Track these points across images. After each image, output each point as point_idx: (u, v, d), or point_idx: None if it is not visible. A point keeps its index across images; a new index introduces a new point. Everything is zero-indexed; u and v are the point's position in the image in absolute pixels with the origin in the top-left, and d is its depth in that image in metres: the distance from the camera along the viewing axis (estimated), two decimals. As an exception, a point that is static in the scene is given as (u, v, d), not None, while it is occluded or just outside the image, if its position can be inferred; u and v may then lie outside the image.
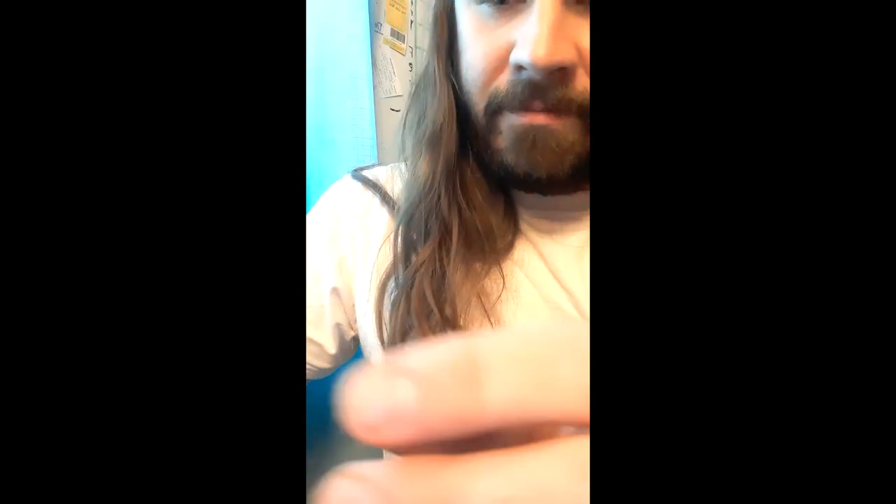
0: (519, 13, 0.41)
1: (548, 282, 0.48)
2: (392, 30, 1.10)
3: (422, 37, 1.16)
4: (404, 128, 0.52)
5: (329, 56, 0.92)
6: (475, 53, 0.43)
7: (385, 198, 0.53)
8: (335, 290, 0.53)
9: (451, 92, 0.47)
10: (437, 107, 0.47)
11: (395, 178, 0.54)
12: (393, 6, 1.10)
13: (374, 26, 1.05)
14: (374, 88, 1.00)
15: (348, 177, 0.58)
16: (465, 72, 0.45)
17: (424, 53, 0.52)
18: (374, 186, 0.55)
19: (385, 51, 1.08)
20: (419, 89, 0.51)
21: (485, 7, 0.43)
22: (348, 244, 0.53)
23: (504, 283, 0.47)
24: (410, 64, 1.15)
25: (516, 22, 0.41)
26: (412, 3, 1.16)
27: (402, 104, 1.12)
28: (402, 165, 0.53)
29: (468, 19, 0.44)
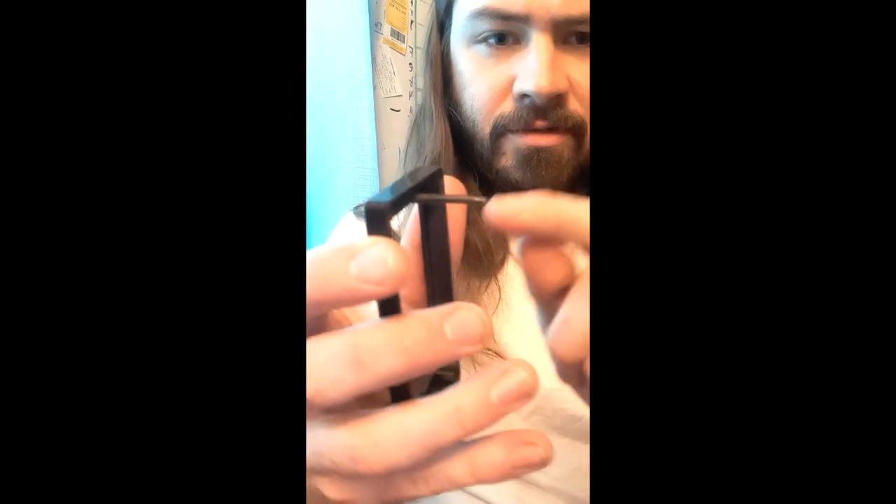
0: (515, 52, 0.48)
1: None
2: (392, 30, 1.10)
3: (422, 37, 1.16)
4: (405, 160, 0.58)
5: (329, 56, 0.93)
6: (479, 87, 0.50)
7: None
8: None
9: (448, 123, 0.53)
10: (435, 137, 0.53)
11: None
12: (393, 6, 1.10)
13: (374, 26, 1.05)
14: (374, 88, 1.00)
15: (351, 214, 0.63)
16: (469, 103, 0.51)
17: (421, 92, 0.58)
18: None
19: (385, 51, 1.08)
20: (417, 123, 0.57)
21: (482, 47, 0.49)
22: None
23: (500, 297, 0.52)
24: (410, 64, 1.15)
25: (514, 59, 0.48)
26: (412, 3, 1.16)
27: (402, 104, 1.12)
28: None
29: (467, 59, 0.51)
